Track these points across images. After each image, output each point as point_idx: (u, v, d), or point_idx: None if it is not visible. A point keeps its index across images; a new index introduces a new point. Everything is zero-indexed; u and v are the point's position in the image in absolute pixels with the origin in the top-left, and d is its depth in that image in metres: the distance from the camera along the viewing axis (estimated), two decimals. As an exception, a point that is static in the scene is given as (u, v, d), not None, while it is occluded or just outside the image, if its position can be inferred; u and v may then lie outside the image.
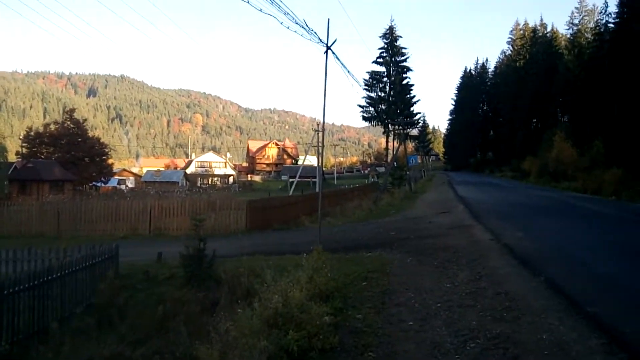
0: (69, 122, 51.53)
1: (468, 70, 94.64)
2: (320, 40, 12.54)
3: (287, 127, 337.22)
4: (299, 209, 25.24)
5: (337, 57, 14.14)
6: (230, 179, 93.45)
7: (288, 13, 10.65)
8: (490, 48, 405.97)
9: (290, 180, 58.73)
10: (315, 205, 13.38)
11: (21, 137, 51.74)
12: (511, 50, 72.96)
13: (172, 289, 9.51)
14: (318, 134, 51.70)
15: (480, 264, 9.41)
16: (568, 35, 58.44)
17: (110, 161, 58.15)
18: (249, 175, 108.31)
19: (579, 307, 6.55)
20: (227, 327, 5.19)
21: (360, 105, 63.87)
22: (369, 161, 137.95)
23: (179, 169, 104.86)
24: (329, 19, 12.63)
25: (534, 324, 6.02)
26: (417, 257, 10.69)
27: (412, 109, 64.16)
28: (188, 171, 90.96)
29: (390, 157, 58.52)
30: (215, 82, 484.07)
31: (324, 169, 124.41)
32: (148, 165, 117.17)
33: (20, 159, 46.99)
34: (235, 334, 4.93)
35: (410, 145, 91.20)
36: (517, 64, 66.92)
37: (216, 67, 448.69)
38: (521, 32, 71.93)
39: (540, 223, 15.62)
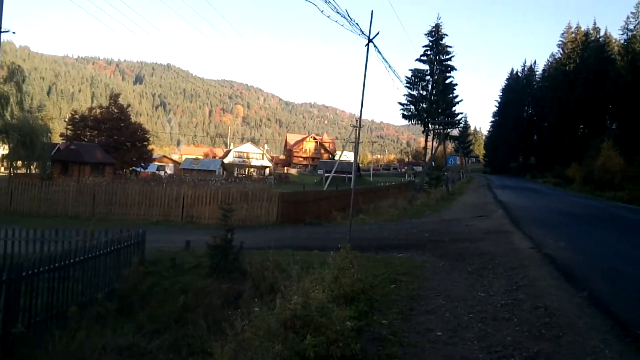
0: (113, 107, 52.53)
1: (514, 72, 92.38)
2: (362, 32, 12.13)
3: (326, 121, 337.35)
4: (332, 204, 25.04)
5: (378, 51, 13.67)
6: (267, 171, 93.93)
7: (329, 1, 10.27)
8: (539, 50, 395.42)
9: (326, 174, 58.45)
10: (349, 201, 13.05)
11: (67, 119, 53.16)
12: (561, 54, 70.46)
13: (197, 278, 9.35)
14: (356, 129, 51.24)
15: (518, 273, 8.86)
16: (622, 41, 55.93)
17: (151, 147, 59.13)
18: (285, 168, 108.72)
19: (628, 329, 5.97)
20: (242, 326, 4.89)
21: (400, 103, 63.34)
22: (406, 160, 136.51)
23: (217, 158, 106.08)
24: (372, 11, 12.19)
25: (575, 345, 5.50)
26: (450, 261, 10.21)
27: (453, 109, 62.96)
28: (226, 160, 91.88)
29: (428, 156, 57.57)
30: (257, 74, 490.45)
31: (360, 165, 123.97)
32: (188, 152, 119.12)
33: (64, 141, 48.23)
34: (250, 334, 4.62)
35: (450, 146, 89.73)
36: (567, 67, 64.64)
37: (259, 59, 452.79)
38: (573, 35, 69.36)
39: (584, 233, 14.84)
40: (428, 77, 62.85)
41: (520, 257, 10.28)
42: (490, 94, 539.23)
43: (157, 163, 74.44)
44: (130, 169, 54.07)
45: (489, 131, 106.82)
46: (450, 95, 62.85)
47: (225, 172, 79.16)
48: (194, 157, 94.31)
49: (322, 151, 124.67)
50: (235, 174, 79.39)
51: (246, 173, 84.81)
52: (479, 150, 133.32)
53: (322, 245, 12.18)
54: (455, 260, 10.32)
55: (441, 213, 22.17)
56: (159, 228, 17.57)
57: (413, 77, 62.79)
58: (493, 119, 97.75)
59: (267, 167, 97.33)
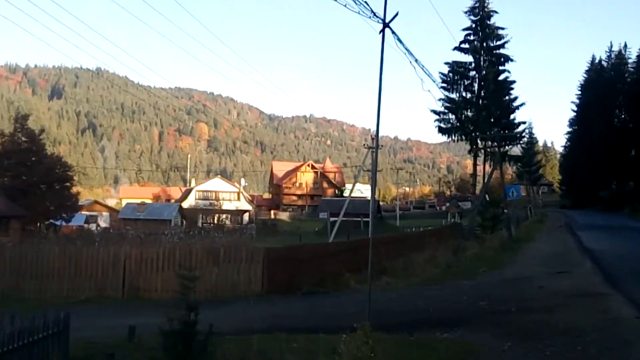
0: (20, 134, 52.69)
1: (597, 62, 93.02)
2: (374, 14, 12.23)
3: (328, 142, 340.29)
4: (341, 262, 24.87)
5: (398, 39, 13.69)
6: (246, 217, 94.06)
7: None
8: (631, 29, 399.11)
9: (332, 219, 58.33)
10: (366, 257, 12.96)
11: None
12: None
13: (146, 384, 9.25)
14: (372, 152, 51.36)
15: (620, 357, 8.75)
16: None
17: (76, 189, 59.29)
18: (272, 212, 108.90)
19: None
20: None
21: (435, 112, 63.61)
22: (447, 193, 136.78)
23: (172, 201, 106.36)
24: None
25: None
26: (519, 343, 10.11)
27: (512, 116, 63.41)
28: (185, 205, 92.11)
29: (479, 187, 57.58)
30: (227, 79, 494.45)
31: (380, 203, 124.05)
32: (130, 195, 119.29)
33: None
34: None
35: (510, 171, 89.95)
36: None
37: (229, 57, 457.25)
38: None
39: None
40: (473, 73, 63.50)
41: (623, 333, 10.19)
42: (564, 94, 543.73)
43: (85, 212, 74.60)
44: (47, 222, 54.02)
45: (564, 147, 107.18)
46: (507, 98, 63.26)
47: (185, 222, 79.15)
48: (138, 201, 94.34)
49: (325, 185, 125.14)
50: (200, 224, 79.33)
51: (215, 221, 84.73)
52: (552, 174, 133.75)
53: (329, 325, 12.05)
54: (526, 340, 10.23)
55: (502, 269, 22.11)
56: (89, 308, 17.40)
57: (451, 73, 63.47)
58: (570, 130, 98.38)
59: (245, 211, 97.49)
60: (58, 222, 55.84)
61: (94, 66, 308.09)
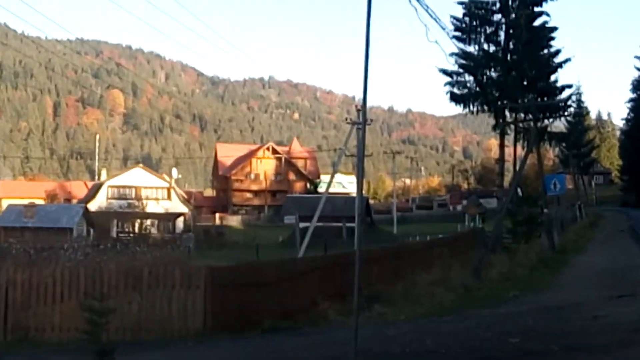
0: None
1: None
2: None
3: (296, 115, 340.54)
4: (316, 286, 24.97)
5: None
6: (180, 223, 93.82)
7: None
8: None
9: (302, 225, 58.39)
10: (349, 278, 13.00)
11: None
12: None
13: None
14: (356, 129, 51.11)
15: None
16: None
17: None
18: (216, 215, 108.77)
19: None
20: None
21: (445, 72, 63.62)
22: (464, 186, 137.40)
23: (75, 201, 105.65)
24: None
25: None
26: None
27: (553, 77, 63.66)
28: (93, 206, 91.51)
29: (508, 178, 57.85)
30: (152, 28, 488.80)
31: (371, 201, 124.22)
32: (13, 193, 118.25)
33: None
34: None
35: (551, 154, 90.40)
36: None
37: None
38: None
39: None
40: (498, 16, 63.55)
41: None
42: (626, 47, 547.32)
43: (-52, 219, 73.77)
44: None
45: (626, 120, 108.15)
46: (545, 51, 63.47)
47: (93, 231, 78.66)
48: (25, 202, 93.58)
49: (292, 176, 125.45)
50: (114, 234, 78.94)
51: (137, 230, 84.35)
52: (610, 159, 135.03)
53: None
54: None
55: (541, 293, 22.29)
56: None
57: (467, 18, 63.37)
58: (633, 96, 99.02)
59: (179, 214, 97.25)
60: None
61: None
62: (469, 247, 42.50)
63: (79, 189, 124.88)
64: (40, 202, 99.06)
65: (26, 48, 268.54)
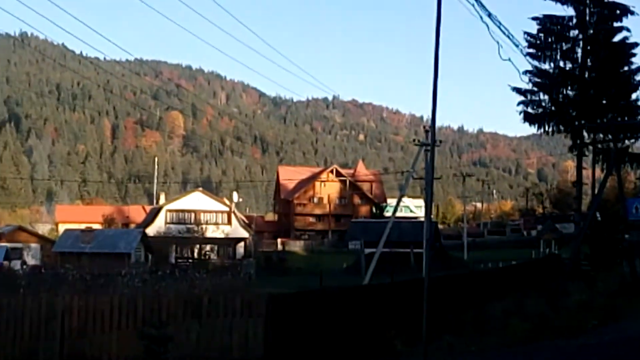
0: None
1: None
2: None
3: (361, 136, 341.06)
4: (381, 315, 24.61)
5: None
6: (240, 248, 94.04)
7: None
8: None
9: (367, 251, 58.14)
10: (418, 307, 12.59)
11: None
12: None
13: None
14: (424, 150, 50.65)
15: None
16: None
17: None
18: (278, 241, 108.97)
19: None
20: None
21: (518, 90, 62.84)
22: (538, 210, 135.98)
23: (133, 226, 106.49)
24: None
25: None
26: None
27: (634, 95, 62.57)
28: (151, 231, 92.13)
29: (586, 201, 56.96)
30: (211, 47, 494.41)
31: (440, 226, 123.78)
32: (70, 218, 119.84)
33: None
34: None
35: (633, 177, 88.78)
36: None
37: (214, 17, 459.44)
38: None
39: None
40: (575, 32, 62.73)
41: None
42: None
43: (6, 244, 74.63)
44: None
45: None
46: (626, 68, 62.61)
47: (151, 257, 79.06)
48: (82, 227, 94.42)
49: (357, 200, 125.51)
50: (173, 260, 79.23)
51: (196, 256, 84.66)
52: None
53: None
54: None
55: (625, 323, 22.09)
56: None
57: (542, 34, 62.69)
58: None
59: (240, 239, 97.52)
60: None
61: (17, 30, 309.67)
62: (545, 274, 41.89)
63: (137, 213, 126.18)
64: (98, 226, 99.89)
65: (84, 69, 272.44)
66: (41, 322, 20.10)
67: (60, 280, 38.30)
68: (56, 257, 74.22)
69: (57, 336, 19.85)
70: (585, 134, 60.69)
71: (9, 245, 76.00)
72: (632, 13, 62.66)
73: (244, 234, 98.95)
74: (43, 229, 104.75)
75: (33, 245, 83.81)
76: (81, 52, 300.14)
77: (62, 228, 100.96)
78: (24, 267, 66.99)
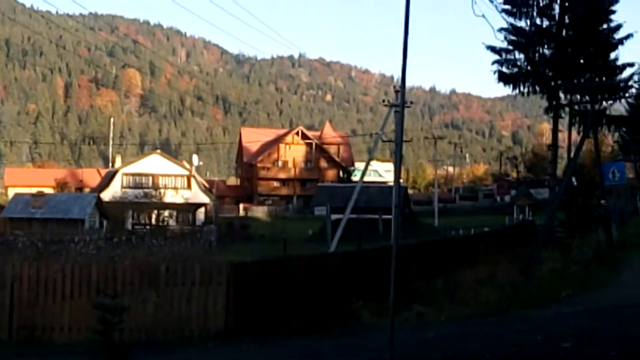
0: None
1: None
2: None
3: (328, 97, 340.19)
4: (349, 284, 25.00)
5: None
6: (201, 214, 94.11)
7: None
8: None
9: (334, 217, 58.43)
10: (385, 275, 12.93)
11: None
12: None
13: None
14: (394, 111, 50.95)
15: None
16: None
17: None
18: (241, 206, 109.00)
19: None
20: None
21: (493, 49, 63.11)
22: (513, 175, 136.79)
23: (87, 190, 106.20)
24: None
25: None
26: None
27: (613, 55, 63.12)
28: (107, 196, 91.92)
29: (562, 166, 57.64)
30: (172, 2, 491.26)
31: (410, 191, 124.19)
32: (20, 182, 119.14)
33: None
34: None
35: (611, 140, 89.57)
36: None
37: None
38: None
39: None
40: (552, -11, 63.17)
41: None
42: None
43: (-51, 209, 74.33)
44: None
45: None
46: (605, 26, 63.05)
47: (106, 223, 79.01)
48: (33, 191, 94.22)
49: (324, 163, 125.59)
50: (129, 226, 79.28)
51: (154, 222, 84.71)
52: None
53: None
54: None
55: (598, 293, 22.18)
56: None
57: (518, -9, 63.08)
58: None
59: (200, 205, 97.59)
60: None
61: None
62: (518, 241, 42.49)
63: (91, 177, 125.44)
64: (50, 191, 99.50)
65: (35, 24, 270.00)
66: (-11, 292, 20.33)
67: (9, 247, 38.35)
68: (5, 223, 74.02)
69: (6, 306, 19.91)
70: (561, 95, 61.02)
71: (-47, 211, 75.71)
72: (611, -31, 63.31)
73: (205, 199, 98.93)
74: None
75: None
76: (32, 6, 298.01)
77: (11, 192, 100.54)
78: (-29, 234, 66.68)
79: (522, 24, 62.80)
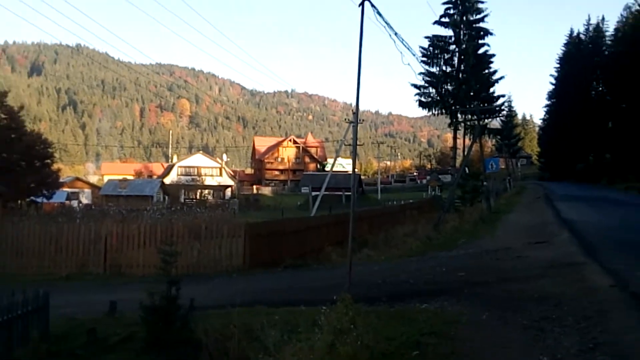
0: (-1, 111, 52.15)
1: (575, 35, 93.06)
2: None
3: (310, 117, 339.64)
4: (323, 236, 25.09)
5: (378, 13, 13.70)
6: (228, 192, 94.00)
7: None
8: (608, 3, 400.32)
9: (314, 194, 58.43)
10: (346, 230, 13.01)
11: None
12: (640, 5, 71.49)
13: (127, 358, 9.18)
14: (352, 126, 51.40)
15: (595, 324, 8.79)
16: None
17: (57, 166, 58.70)
18: (254, 187, 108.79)
19: None
20: None
21: (415, 86, 63.26)
22: (428, 166, 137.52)
23: (155, 177, 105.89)
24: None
25: None
26: (497, 312, 10.14)
27: (491, 90, 63.59)
28: (167, 180, 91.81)
29: (459, 160, 57.74)
30: (208, 54, 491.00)
31: (362, 177, 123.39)
32: (112, 171, 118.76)
33: None
34: None
35: (489, 144, 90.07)
36: (650, 23, 65.63)
37: (209, 32, 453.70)
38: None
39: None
40: (453, 47, 63.32)
41: (598, 301, 10.22)
42: (544, 68, 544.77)
43: (67, 189, 74.02)
44: (28, 199, 53.57)
45: (543, 120, 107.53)
46: (486, 71, 63.36)
47: (167, 198, 78.95)
48: (120, 177, 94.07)
49: (307, 160, 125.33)
50: (182, 200, 79.19)
51: (198, 197, 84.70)
52: (531, 147, 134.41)
53: (310, 298, 12.09)
54: (504, 309, 10.24)
55: (481, 241, 22.12)
56: (71, 285, 17.38)
57: (431, 47, 63.25)
58: (548, 103, 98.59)
59: (228, 186, 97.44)
60: (39, 200, 55.36)
61: (74, 42, 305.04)
62: (431, 209, 42.58)
63: (157, 168, 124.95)
64: (131, 177, 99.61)
65: (121, 70, 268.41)
66: (91, 242, 20.36)
67: (104, 214, 38.19)
68: (102, 198, 74.29)
69: (102, 252, 20.18)
70: (459, 115, 61.38)
71: (69, 190, 75.51)
72: (492, 34, 63.86)
73: (231, 182, 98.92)
74: (93, 179, 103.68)
75: (86, 190, 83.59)
76: (119, 58, 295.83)
77: (106, 178, 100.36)
78: (79, 205, 66.62)
79: (434, 69, 63.31)
